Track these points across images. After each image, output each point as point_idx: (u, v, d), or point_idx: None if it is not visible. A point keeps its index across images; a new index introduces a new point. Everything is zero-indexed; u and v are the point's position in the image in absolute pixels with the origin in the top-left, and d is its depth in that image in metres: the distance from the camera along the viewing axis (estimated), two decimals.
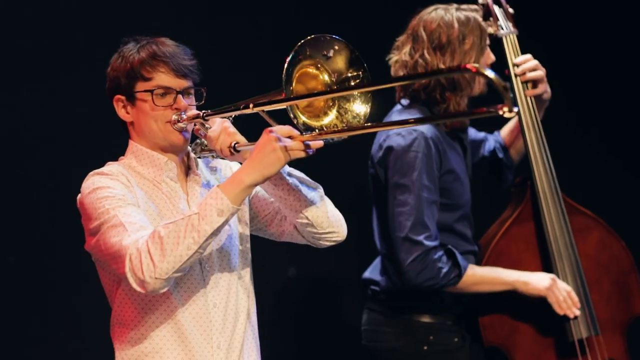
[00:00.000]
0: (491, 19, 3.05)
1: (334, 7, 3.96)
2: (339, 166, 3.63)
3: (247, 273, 2.22)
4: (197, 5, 3.91)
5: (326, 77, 2.05)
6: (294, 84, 1.99)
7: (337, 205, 2.34)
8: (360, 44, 3.28)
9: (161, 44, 2.15)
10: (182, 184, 2.18)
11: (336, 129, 2.01)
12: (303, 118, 2.01)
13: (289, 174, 2.11)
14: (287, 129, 1.97)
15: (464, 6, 2.99)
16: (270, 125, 2.03)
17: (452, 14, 2.93)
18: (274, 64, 3.82)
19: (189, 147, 2.22)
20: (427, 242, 2.89)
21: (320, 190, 2.17)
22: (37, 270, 3.71)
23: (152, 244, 1.92)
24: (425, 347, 2.94)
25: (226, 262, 2.17)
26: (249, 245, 2.23)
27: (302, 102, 2.03)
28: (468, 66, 1.79)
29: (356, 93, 2.08)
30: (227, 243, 2.18)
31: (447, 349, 3.00)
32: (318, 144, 1.99)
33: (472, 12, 2.95)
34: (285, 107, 1.98)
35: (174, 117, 2.10)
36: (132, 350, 2.11)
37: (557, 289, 2.99)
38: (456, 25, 2.89)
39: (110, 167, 2.13)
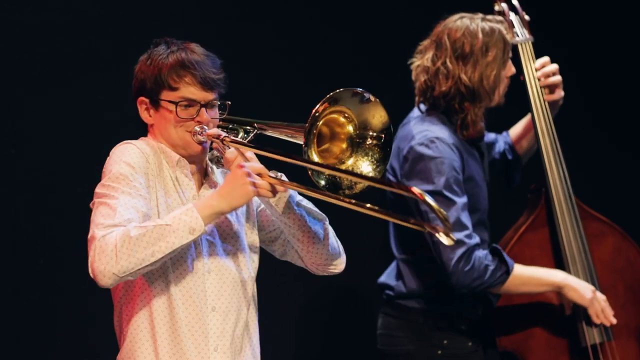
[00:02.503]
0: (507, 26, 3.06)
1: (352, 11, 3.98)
2: None
3: (252, 279, 2.27)
4: (221, 12, 3.93)
5: (351, 129, 2.12)
6: (319, 124, 2.08)
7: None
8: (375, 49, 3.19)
9: (191, 51, 2.17)
10: (196, 187, 2.23)
11: (301, 186, 2.09)
12: (315, 158, 2.10)
13: (298, 204, 2.16)
14: (258, 166, 2.06)
15: (489, 17, 3.00)
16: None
17: (478, 24, 2.93)
18: (294, 71, 3.79)
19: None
20: (468, 240, 2.88)
21: (326, 223, 2.21)
22: (64, 272, 3.72)
23: (120, 241, 1.98)
24: (439, 352, 2.95)
25: (231, 267, 2.22)
26: (257, 250, 2.28)
27: (319, 144, 2.13)
28: (414, 191, 1.92)
29: (374, 155, 2.17)
30: (234, 248, 2.23)
31: (461, 354, 3.01)
32: (281, 189, 2.08)
33: (497, 24, 2.96)
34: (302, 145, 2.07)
35: (196, 128, 2.14)
36: (131, 343, 2.18)
37: (597, 300, 3.01)
38: (480, 36, 2.90)
39: (143, 143, 2.18)
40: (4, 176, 3.67)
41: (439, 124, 2.93)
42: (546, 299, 3.11)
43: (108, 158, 2.17)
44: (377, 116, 2.13)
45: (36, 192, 3.70)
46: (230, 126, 2.31)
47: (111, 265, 1.98)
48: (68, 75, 3.53)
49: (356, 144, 2.12)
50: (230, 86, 2.51)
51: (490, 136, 3.23)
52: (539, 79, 3.14)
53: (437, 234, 1.91)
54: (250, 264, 2.26)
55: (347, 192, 2.09)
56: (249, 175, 2.02)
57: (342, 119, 2.13)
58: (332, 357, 4.10)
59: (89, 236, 2.05)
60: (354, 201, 2.04)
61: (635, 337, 3.15)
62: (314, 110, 2.05)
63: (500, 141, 3.24)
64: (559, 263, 3.07)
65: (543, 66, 3.12)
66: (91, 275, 2.03)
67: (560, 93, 3.13)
